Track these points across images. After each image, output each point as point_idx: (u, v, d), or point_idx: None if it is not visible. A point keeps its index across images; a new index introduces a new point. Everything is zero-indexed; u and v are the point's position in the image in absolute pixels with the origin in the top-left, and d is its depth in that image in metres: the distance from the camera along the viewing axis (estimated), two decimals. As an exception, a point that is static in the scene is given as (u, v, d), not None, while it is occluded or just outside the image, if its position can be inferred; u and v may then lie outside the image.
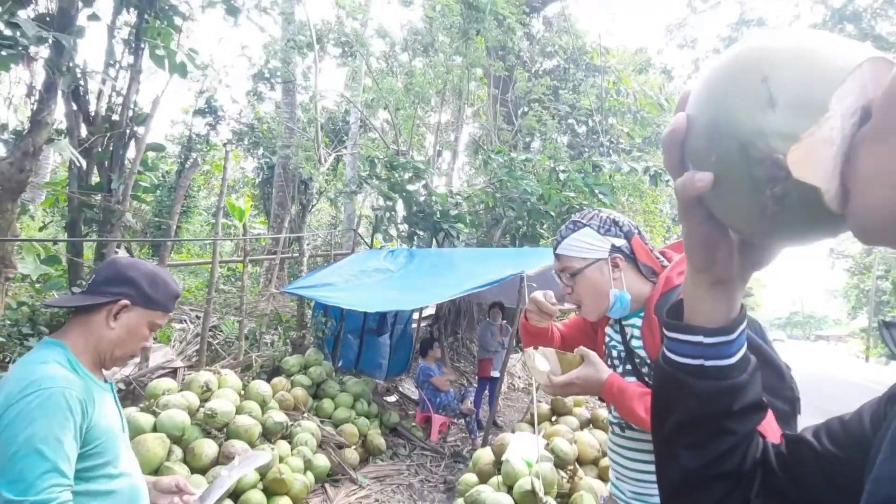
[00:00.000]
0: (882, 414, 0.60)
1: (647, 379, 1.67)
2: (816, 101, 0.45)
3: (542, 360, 1.63)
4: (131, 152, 5.59)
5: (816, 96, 0.45)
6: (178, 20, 5.39)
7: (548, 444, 4.38)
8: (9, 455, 1.25)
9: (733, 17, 21.85)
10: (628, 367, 1.72)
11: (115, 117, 5.38)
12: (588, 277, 1.67)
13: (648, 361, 1.65)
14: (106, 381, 1.59)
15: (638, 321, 1.71)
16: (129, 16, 5.44)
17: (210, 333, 6.10)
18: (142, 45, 5.18)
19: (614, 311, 1.69)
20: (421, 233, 8.58)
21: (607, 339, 1.82)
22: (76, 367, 1.47)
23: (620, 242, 1.71)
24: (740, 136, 0.48)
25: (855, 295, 44.58)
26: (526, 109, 13.46)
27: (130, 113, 5.36)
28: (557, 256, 1.73)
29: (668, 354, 0.70)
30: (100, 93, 5.37)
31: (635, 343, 1.70)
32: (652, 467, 1.66)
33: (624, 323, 1.75)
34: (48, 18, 4.22)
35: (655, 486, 1.63)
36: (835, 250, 44.26)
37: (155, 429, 3.94)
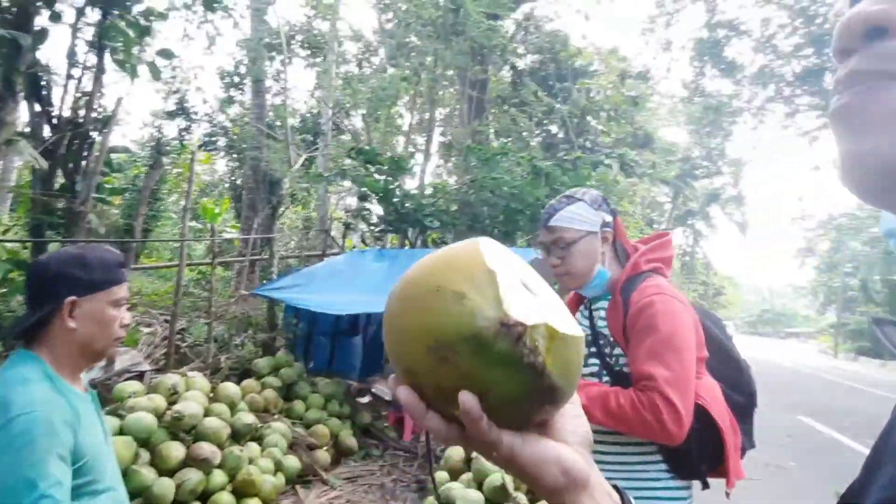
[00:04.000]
0: None
1: (609, 360, 1.72)
2: (485, 277, 0.49)
3: None
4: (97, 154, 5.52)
5: (483, 277, 0.49)
6: (144, 23, 5.34)
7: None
8: None
9: (703, 18, 22.21)
10: (593, 349, 1.78)
11: (80, 119, 5.31)
12: (581, 249, 1.73)
13: (612, 341, 1.73)
14: (87, 390, 1.49)
15: (605, 304, 1.78)
16: (94, 15, 5.38)
17: (178, 336, 6.03)
18: (105, 46, 5.12)
19: (592, 286, 1.76)
20: (394, 233, 8.59)
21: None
22: (56, 382, 1.36)
23: (609, 219, 1.79)
24: (466, 333, 0.47)
25: (823, 292, 45.58)
26: (505, 108, 13.55)
27: (95, 114, 5.29)
28: (550, 228, 1.75)
29: None
30: (64, 94, 5.30)
31: (601, 324, 1.77)
32: (607, 450, 1.71)
33: (593, 307, 1.82)
34: (6, 17, 4.15)
35: (614, 471, 1.68)
36: (804, 248, 45.25)
37: (121, 432, 3.89)
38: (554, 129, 14.44)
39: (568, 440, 0.53)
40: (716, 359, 1.80)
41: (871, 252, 35.66)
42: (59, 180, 5.46)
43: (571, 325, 0.51)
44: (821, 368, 24.12)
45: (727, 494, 1.75)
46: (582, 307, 1.89)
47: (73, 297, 1.38)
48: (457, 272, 0.49)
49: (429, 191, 9.37)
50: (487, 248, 0.52)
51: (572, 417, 0.55)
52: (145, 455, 3.92)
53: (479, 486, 3.97)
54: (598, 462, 1.80)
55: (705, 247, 39.58)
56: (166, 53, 5.49)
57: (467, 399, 0.46)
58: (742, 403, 1.88)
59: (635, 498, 1.72)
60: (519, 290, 0.50)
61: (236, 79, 13.70)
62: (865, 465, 0.51)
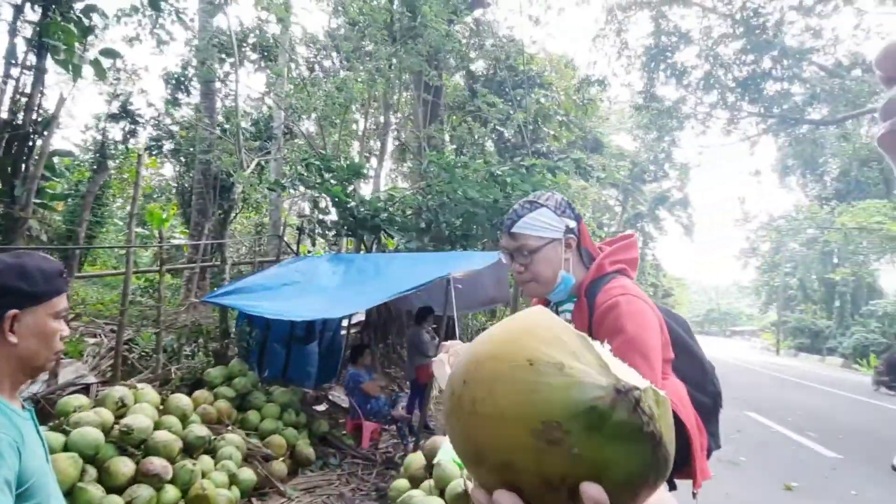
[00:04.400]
0: None
1: None
2: (576, 343, 0.45)
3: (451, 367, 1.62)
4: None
5: (574, 343, 0.45)
6: (86, 21, 5.13)
7: (478, 445, 4.39)
8: None
9: (649, 27, 22.86)
10: None
11: (19, 120, 5.06)
12: (545, 256, 1.70)
13: None
14: (25, 407, 1.40)
15: (571, 306, 1.77)
16: (35, 13, 5.14)
17: (125, 347, 5.81)
18: (46, 45, 4.90)
19: (557, 292, 1.74)
20: (350, 237, 8.50)
21: None
22: None
23: (573, 224, 1.76)
24: (579, 407, 0.41)
25: (765, 291, 47.38)
26: (461, 114, 13.61)
27: (35, 116, 5.06)
28: (513, 235, 1.73)
29: None
30: (2, 95, 5.04)
31: None
32: None
33: (559, 309, 1.80)
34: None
35: None
36: (746, 249, 46.94)
37: (66, 448, 3.71)
38: (508, 133, 14.58)
39: None
40: (681, 360, 1.81)
41: (807, 253, 37.29)
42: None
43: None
44: (764, 365, 25.08)
45: (694, 495, 1.77)
46: (549, 308, 1.88)
47: (14, 311, 1.29)
48: (543, 341, 0.43)
49: (385, 195, 9.31)
50: (551, 314, 0.47)
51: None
52: (92, 471, 3.75)
53: (441, 494, 3.94)
54: None
55: (655, 248, 40.65)
56: (110, 53, 5.28)
57: (594, 491, 0.40)
58: (707, 404, 1.89)
59: None
60: (606, 351, 0.45)
61: (183, 80, 13.31)
62: None
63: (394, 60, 10.37)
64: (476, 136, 13.31)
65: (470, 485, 3.80)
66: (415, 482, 4.23)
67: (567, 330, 0.44)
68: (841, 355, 30.56)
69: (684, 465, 1.69)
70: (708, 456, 1.81)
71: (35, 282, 1.32)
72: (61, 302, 1.37)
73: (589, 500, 0.40)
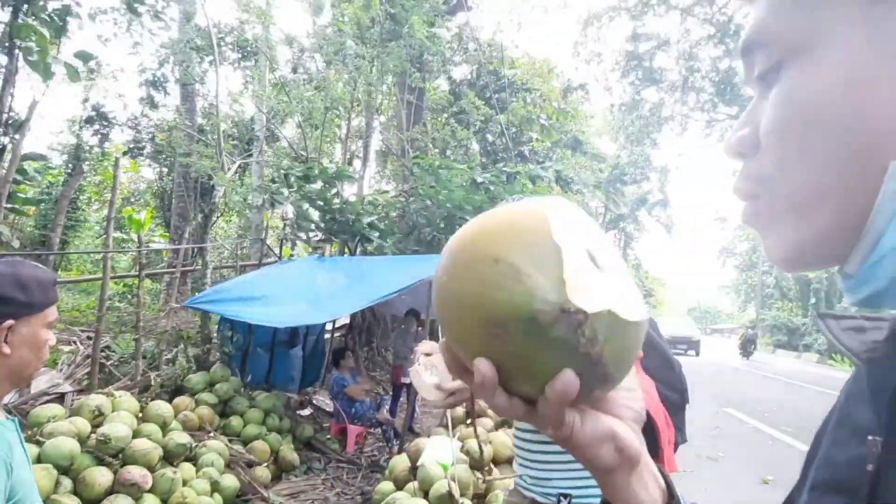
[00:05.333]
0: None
1: None
2: (549, 252, 0.45)
3: (428, 374, 1.64)
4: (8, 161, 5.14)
5: (547, 252, 0.45)
6: (58, 21, 5.02)
7: (463, 447, 4.40)
8: None
9: (627, 31, 23.15)
10: None
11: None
12: None
13: None
14: (8, 418, 1.36)
15: None
16: (4, 14, 5.03)
17: (103, 354, 5.69)
18: (17, 46, 4.79)
19: None
20: (334, 241, 8.44)
21: None
22: None
23: None
24: (521, 315, 0.44)
25: (744, 289, 48.05)
26: (445, 117, 13.59)
27: (5, 118, 4.94)
28: None
29: None
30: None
31: None
32: (551, 449, 1.73)
33: None
34: None
35: (554, 470, 1.70)
36: (725, 248, 47.60)
37: (39, 459, 3.63)
38: (491, 137, 14.60)
39: (622, 415, 0.52)
40: (650, 358, 1.85)
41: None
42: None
43: (635, 307, 0.48)
44: (742, 362, 25.38)
45: None
46: None
47: (10, 321, 1.26)
48: (518, 241, 0.46)
49: (369, 198, 9.27)
50: (555, 214, 0.48)
51: (626, 391, 0.53)
52: (67, 483, 3.68)
53: (426, 495, 3.93)
54: (538, 460, 1.82)
55: (636, 249, 41.06)
56: (84, 56, 5.18)
57: (568, 377, 0.44)
58: (675, 400, 1.95)
59: (576, 491, 1.73)
60: (585, 266, 0.47)
61: (160, 80, 13.13)
62: (804, 464, 0.53)
63: (375, 62, 10.33)
64: (460, 139, 13.31)
65: (453, 486, 3.79)
66: (399, 484, 4.21)
67: (547, 237, 0.46)
68: (816, 352, 31.03)
69: (653, 459, 1.73)
70: (675, 449, 1.86)
71: (31, 292, 1.29)
72: (53, 311, 1.35)
73: (560, 386, 0.43)
